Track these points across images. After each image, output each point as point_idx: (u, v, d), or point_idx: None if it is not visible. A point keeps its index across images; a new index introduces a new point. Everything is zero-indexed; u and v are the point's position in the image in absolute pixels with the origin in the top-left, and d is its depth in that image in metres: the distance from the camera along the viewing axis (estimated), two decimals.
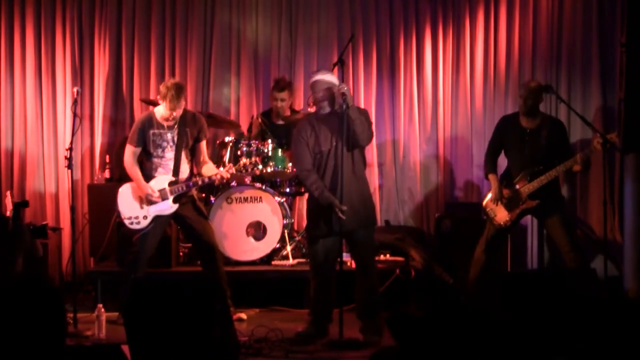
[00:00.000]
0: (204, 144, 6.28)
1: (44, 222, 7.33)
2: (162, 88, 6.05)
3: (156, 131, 6.14)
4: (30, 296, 2.38)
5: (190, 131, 6.18)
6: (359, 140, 5.54)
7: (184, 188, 6.13)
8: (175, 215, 6.23)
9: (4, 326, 2.33)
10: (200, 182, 6.17)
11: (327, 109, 5.62)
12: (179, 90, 6.01)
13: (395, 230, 7.61)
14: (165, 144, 6.15)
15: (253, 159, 6.33)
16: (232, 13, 8.03)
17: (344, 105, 5.42)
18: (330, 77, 5.63)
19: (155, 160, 6.17)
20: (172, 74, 7.79)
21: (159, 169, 6.18)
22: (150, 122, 6.16)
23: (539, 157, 6.35)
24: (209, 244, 6.22)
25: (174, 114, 6.05)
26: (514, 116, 6.61)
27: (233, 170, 6.23)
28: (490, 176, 6.55)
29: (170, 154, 6.16)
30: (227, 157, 6.98)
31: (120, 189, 6.24)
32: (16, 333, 2.32)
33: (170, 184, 6.14)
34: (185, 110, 6.19)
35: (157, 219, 6.16)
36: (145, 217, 6.14)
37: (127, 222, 6.18)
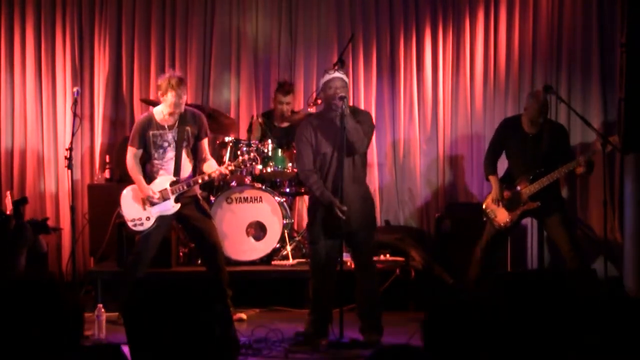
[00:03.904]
0: (205, 142, 6.26)
1: (44, 217, 7.30)
2: (161, 82, 6.02)
3: (156, 132, 6.13)
4: (35, 294, 2.38)
5: (191, 129, 6.16)
6: (354, 149, 5.52)
7: (185, 187, 6.12)
8: (178, 215, 6.22)
9: (5, 325, 2.33)
10: (200, 180, 6.16)
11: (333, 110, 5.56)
12: (179, 83, 5.99)
13: (395, 230, 7.62)
14: (166, 144, 6.14)
15: (252, 154, 6.30)
16: (232, 13, 8.03)
17: (343, 108, 5.39)
18: (346, 78, 5.61)
19: (157, 162, 6.16)
20: None
21: (161, 171, 6.16)
22: (149, 123, 6.15)
23: (540, 161, 6.36)
24: (211, 244, 6.21)
25: (177, 110, 6.03)
26: (516, 119, 6.60)
27: (232, 167, 6.21)
28: (491, 177, 6.54)
29: (171, 154, 6.15)
30: (227, 157, 6.97)
31: (123, 192, 6.23)
32: (18, 332, 2.32)
33: (172, 184, 6.12)
34: (184, 109, 6.18)
35: (160, 219, 6.15)
36: (148, 219, 6.14)
37: (130, 224, 6.17)
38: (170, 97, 5.99)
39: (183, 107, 6.09)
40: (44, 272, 6.75)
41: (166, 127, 6.13)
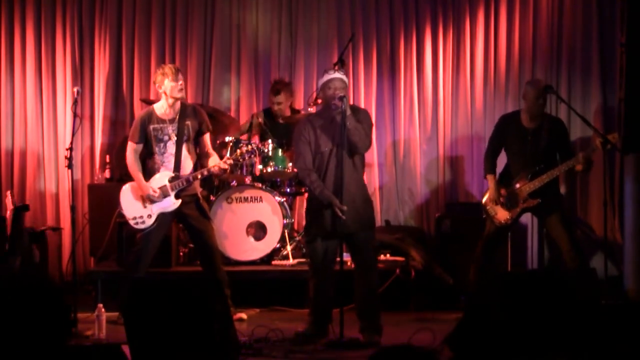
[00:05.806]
0: (207, 136, 6.23)
1: (44, 227, 7.35)
2: (155, 76, 6.04)
3: (156, 126, 6.12)
4: (31, 295, 2.38)
5: (192, 124, 6.15)
6: (357, 149, 5.53)
7: (184, 183, 6.09)
8: (177, 214, 6.21)
9: (3, 326, 2.33)
10: (199, 175, 6.13)
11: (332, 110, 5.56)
12: (174, 69, 6.02)
13: (395, 230, 7.61)
14: (166, 138, 6.12)
15: (250, 147, 6.30)
16: (232, 13, 8.04)
17: (343, 108, 5.39)
18: (345, 79, 5.60)
19: (157, 157, 6.14)
20: None
21: (162, 168, 6.15)
22: (150, 117, 6.14)
23: (540, 157, 6.34)
24: (208, 245, 6.19)
25: (179, 95, 6.04)
26: (514, 115, 6.59)
27: (231, 160, 6.20)
28: (488, 177, 6.53)
29: (172, 148, 6.12)
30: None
31: (122, 190, 6.22)
32: (16, 333, 2.32)
33: (171, 179, 6.10)
34: (185, 104, 6.18)
35: (161, 217, 6.14)
36: (149, 216, 6.12)
37: (132, 222, 6.16)
38: (167, 84, 5.99)
39: (184, 93, 6.09)
40: (42, 274, 6.77)
41: (167, 120, 6.12)
